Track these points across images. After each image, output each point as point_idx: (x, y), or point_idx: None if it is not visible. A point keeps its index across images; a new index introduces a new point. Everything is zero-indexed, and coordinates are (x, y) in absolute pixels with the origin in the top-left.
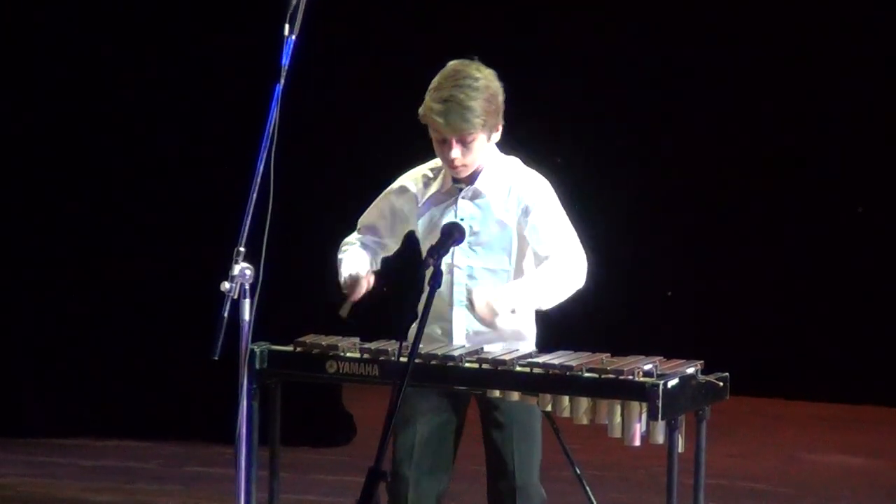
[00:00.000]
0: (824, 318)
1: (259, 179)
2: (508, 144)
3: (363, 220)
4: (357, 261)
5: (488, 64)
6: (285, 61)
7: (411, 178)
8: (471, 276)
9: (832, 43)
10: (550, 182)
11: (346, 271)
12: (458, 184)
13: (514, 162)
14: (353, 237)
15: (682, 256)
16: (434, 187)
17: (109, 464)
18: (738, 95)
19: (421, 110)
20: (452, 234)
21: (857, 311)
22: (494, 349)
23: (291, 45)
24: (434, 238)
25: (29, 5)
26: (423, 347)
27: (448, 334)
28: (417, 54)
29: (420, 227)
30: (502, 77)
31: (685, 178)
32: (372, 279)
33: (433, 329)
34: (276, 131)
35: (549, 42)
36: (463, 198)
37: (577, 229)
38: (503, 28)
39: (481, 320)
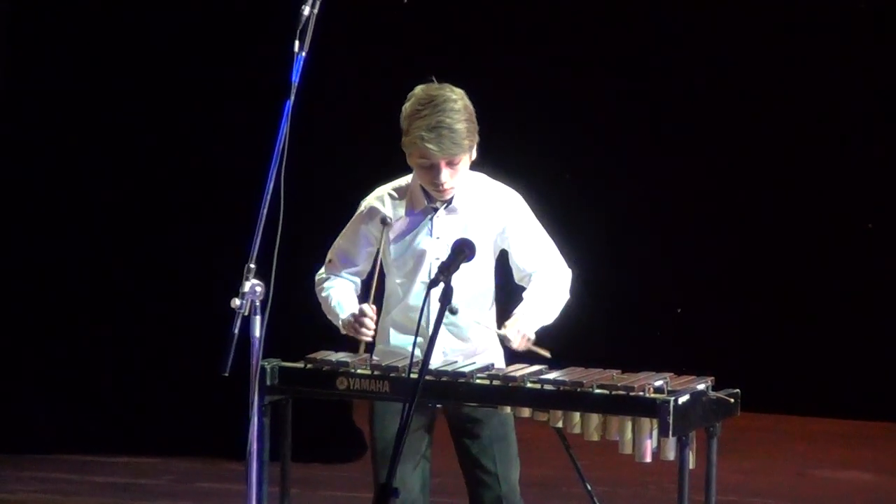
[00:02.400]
0: (835, 334)
1: (269, 196)
2: (515, 160)
3: (336, 251)
4: (348, 297)
5: (492, 82)
6: (295, 78)
7: (378, 200)
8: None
9: (840, 58)
10: (552, 196)
11: (343, 311)
12: (432, 202)
13: (483, 177)
14: (327, 272)
15: (693, 273)
16: (404, 207)
17: (121, 480)
18: (747, 108)
19: (406, 139)
20: (463, 251)
21: (868, 327)
22: (467, 362)
23: (301, 62)
24: (408, 259)
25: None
26: (404, 364)
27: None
28: (425, 71)
29: (393, 248)
30: (506, 93)
31: (695, 195)
32: (374, 310)
33: (410, 346)
34: (286, 148)
35: (551, 53)
36: (438, 216)
37: (586, 246)
38: (503, 46)
39: (515, 347)
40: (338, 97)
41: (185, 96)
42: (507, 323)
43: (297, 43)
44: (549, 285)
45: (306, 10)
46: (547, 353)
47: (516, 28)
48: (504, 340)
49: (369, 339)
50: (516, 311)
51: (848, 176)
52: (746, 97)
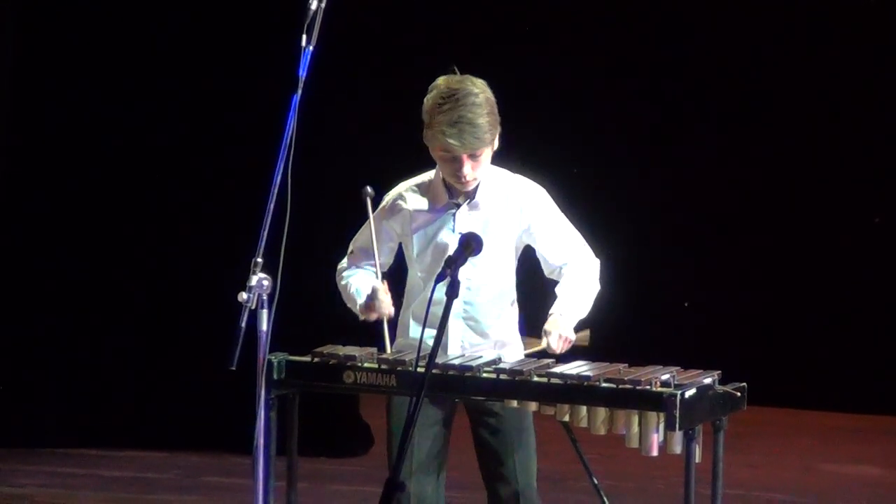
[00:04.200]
0: (842, 328)
1: (277, 189)
2: (526, 153)
3: (356, 243)
4: (367, 280)
5: (503, 76)
6: (303, 72)
7: (400, 195)
8: (470, 289)
9: (847, 53)
10: (562, 191)
11: (361, 296)
12: (454, 198)
13: (505, 172)
14: (348, 263)
15: (700, 266)
16: (426, 203)
17: (128, 474)
18: (755, 103)
19: (428, 132)
20: (470, 245)
21: (874, 320)
22: (475, 356)
23: (309, 56)
24: (430, 254)
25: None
26: (411, 358)
27: (444, 345)
28: (434, 65)
29: (415, 243)
30: (518, 87)
31: (703, 188)
32: (386, 284)
33: (428, 339)
34: (293, 142)
35: (558, 49)
36: (460, 212)
37: (594, 239)
38: (514, 39)
39: (558, 353)
40: (346, 91)
41: (192, 91)
42: (546, 328)
43: (304, 37)
44: (581, 278)
45: (314, 4)
46: (586, 340)
47: (530, 23)
48: (548, 350)
49: (391, 311)
50: (552, 309)
51: (855, 169)
52: (755, 94)
